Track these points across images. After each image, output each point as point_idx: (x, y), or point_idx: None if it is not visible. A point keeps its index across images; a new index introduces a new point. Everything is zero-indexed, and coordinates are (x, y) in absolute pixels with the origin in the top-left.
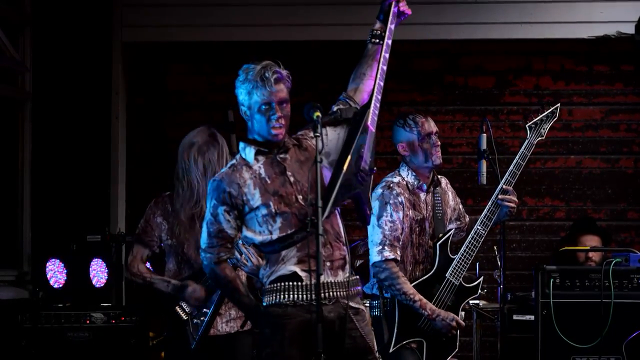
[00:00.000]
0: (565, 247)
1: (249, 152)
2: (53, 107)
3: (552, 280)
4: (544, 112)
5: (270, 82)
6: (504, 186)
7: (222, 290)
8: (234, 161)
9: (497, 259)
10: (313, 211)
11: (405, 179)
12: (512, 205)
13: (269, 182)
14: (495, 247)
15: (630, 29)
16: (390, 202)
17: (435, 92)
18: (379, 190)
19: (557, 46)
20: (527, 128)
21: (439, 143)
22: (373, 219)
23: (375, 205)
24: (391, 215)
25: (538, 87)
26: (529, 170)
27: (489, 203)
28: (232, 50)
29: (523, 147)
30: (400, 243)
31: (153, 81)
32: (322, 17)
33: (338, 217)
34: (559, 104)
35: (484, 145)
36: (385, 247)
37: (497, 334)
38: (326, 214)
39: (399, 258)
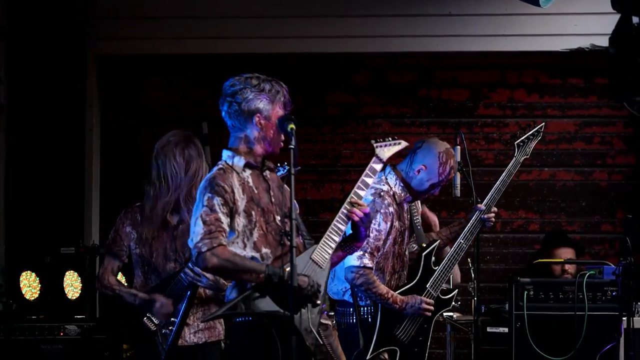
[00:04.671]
0: (540, 260)
1: (237, 161)
2: (27, 119)
3: (526, 292)
4: (530, 130)
5: (290, 102)
6: (489, 203)
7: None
8: (220, 165)
9: (471, 271)
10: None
11: (393, 188)
12: (493, 220)
13: (256, 192)
14: (469, 259)
15: (604, 42)
16: (382, 211)
17: (409, 105)
18: (369, 198)
19: (531, 59)
20: (516, 146)
21: None
22: None
23: None
24: (379, 225)
25: (512, 99)
26: None
27: (473, 218)
28: (207, 63)
29: (510, 164)
30: (382, 253)
31: (127, 94)
32: (296, 30)
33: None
34: (543, 123)
35: (458, 158)
36: (366, 254)
37: (471, 346)
38: None
39: (373, 267)
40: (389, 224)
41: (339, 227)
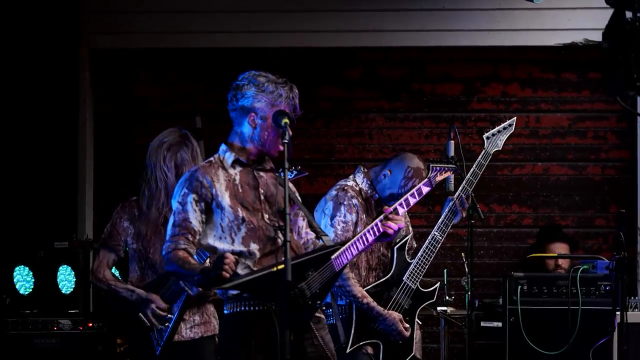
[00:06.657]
0: (533, 255)
1: (228, 157)
2: (20, 114)
3: (519, 287)
4: (501, 124)
5: (297, 105)
6: (461, 194)
7: (179, 276)
8: (211, 158)
9: (465, 265)
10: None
11: (360, 185)
12: (462, 207)
13: (240, 190)
14: (462, 253)
15: (597, 37)
16: (345, 202)
17: (402, 99)
18: (333, 192)
19: (524, 53)
20: (484, 138)
21: None
22: (326, 219)
23: (329, 205)
24: (345, 216)
25: (505, 94)
26: (497, 177)
27: (446, 210)
28: (200, 57)
29: (480, 156)
30: None
31: (120, 88)
32: (286, 24)
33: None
34: (515, 117)
35: (451, 152)
36: None
37: (465, 341)
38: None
39: None
40: (354, 215)
41: (367, 237)
